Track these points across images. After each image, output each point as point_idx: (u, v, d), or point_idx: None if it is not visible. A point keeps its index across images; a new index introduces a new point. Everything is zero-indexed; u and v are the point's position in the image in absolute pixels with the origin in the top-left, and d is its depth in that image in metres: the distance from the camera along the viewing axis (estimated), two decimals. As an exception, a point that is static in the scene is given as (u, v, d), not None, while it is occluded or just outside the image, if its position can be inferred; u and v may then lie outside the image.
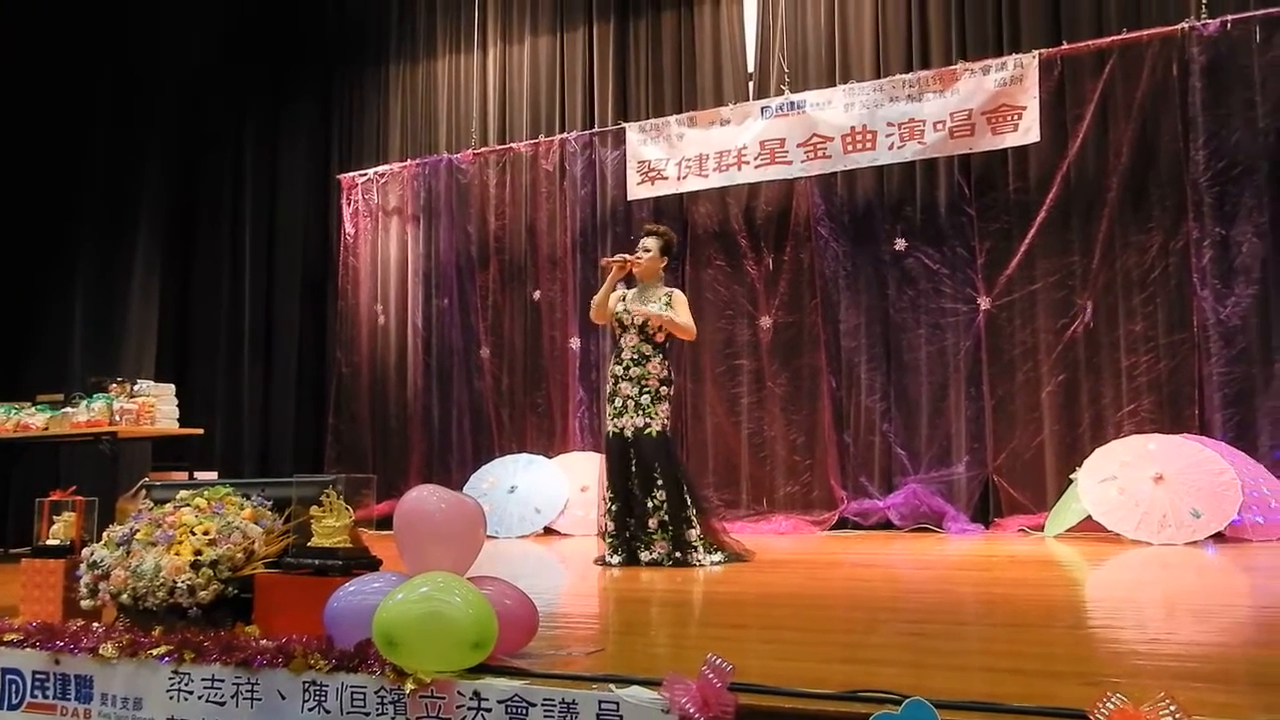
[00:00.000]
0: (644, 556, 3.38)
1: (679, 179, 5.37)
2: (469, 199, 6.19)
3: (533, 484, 5.33)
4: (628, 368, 3.51)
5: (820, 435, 5.21)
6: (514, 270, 6.09)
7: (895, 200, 5.23)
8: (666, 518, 3.36)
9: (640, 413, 3.45)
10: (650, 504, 3.38)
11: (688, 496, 3.45)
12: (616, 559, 3.45)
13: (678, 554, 3.36)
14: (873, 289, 5.24)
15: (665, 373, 3.55)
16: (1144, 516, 4.13)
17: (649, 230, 3.72)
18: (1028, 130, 4.87)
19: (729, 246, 5.51)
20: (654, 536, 3.37)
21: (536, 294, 5.97)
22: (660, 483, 3.41)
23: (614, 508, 3.47)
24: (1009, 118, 4.88)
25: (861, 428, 5.17)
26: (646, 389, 3.47)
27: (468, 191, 6.19)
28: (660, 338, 3.55)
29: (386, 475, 5.98)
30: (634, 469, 3.46)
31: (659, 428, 3.45)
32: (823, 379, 5.23)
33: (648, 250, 3.60)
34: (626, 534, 3.43)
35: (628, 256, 3.63)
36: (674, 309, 3.55)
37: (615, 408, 3.53)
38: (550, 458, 5.63)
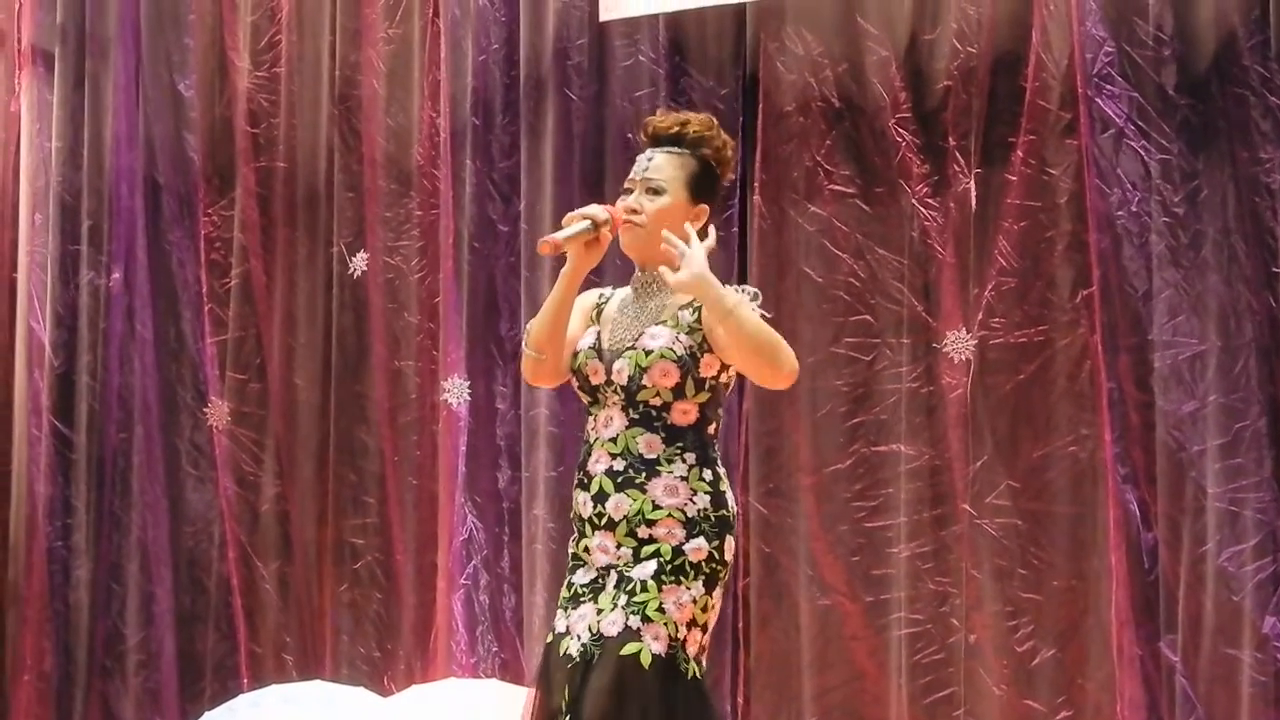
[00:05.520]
0: None
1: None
2: (182, 18, 5.36)
3: (336, 767, 4.73)
4: (602, 494, 3.04)
5: (1092, 644, 4.10)
6: (300, 198, 5.25)
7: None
8: None
9: (628, 599, 2.99)
10: None
11: None
12: None
13: None
14: (1238, 262, 3.99)
15: (705, 500, 3.02)
16: None
17: (664, 129, 3.15)
18: None
19: (865, 150, 4.41)
20: None
21: (361, 260, 5.08)
22: None
23: None
24: None
25: (1208, 622, 3.90)
26: (652, 548, 3.00)
27: (179, 2, 5.38)
28: (687, 413, 3.03)
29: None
30: None
31: (663, 647, 2.95)
32: (1104, 497, 4.07)
33: (654, 188, 3.08)
34: None
35: (594, 214, 3.06)
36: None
37: (577, 585, 3.10)
38: (386, 693, 4.77)
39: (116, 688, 5.12)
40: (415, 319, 4.87)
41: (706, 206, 3.05)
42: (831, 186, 4.32)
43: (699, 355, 2.97)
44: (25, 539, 5.26)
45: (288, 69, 5.10)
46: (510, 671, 4.55)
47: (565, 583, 3.08)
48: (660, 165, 3.05)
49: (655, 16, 4.47)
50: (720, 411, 3.08)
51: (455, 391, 4.73)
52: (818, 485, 4.22)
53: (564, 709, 3.02)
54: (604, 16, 4.51)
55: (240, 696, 4.68)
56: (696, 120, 3.12)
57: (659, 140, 3.09)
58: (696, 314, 3.01)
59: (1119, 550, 3.92)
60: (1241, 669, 3.81)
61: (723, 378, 3.01)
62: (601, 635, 2.98)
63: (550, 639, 3.07)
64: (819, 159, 4.31)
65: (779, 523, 4.28)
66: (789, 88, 4.34)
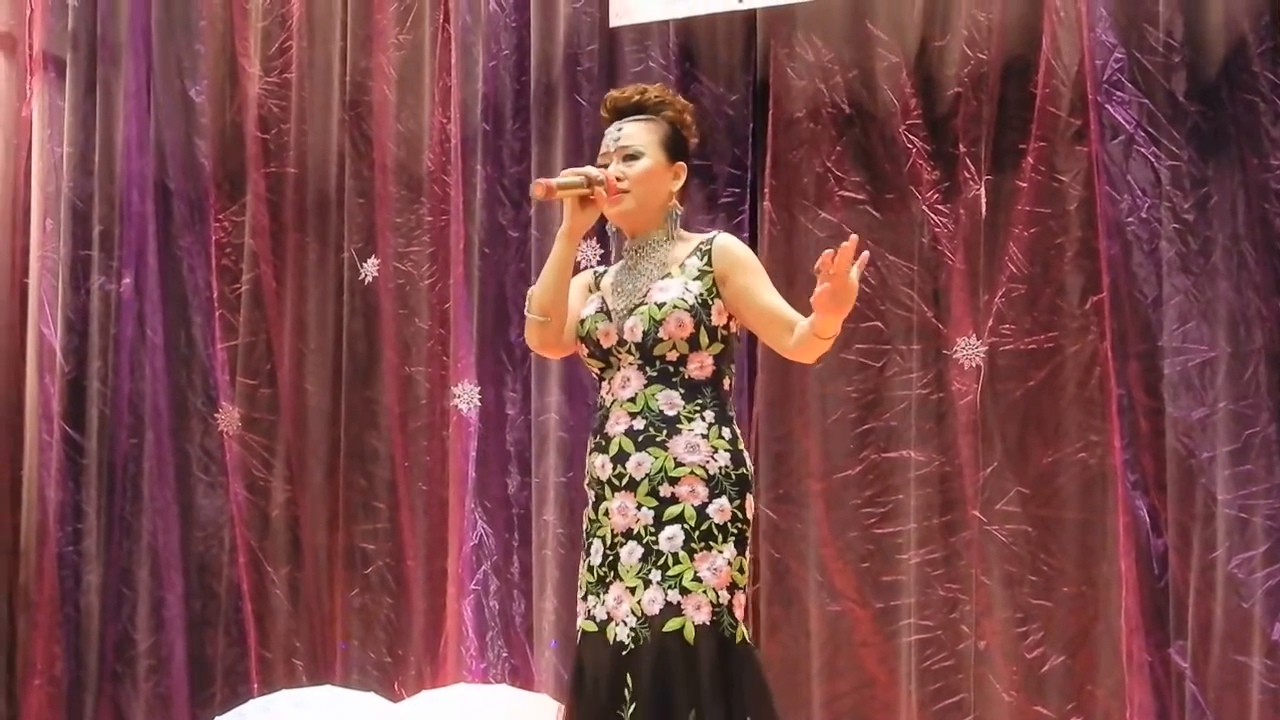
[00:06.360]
0: None
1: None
2: (193, 24, 5.36)
3: (347, 776, 4.56)
4: (622, 454, 3.05)
5: (1102, 651, 4.10)
6: (310, 203, 5.26)
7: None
8: None
9: (662, 575, 3.00)
10: None
11: None
12: None
13: None
14: (1247, 268, 3.94)
15: (725, 458, 3.06)
16: None
17: (625, 100, 3.23)
18: None
19: (875, 156, 4.38)
20: None
21: (371, 266, 5.07)
22: None
23: None
24: None
25: (1218, 628, 3.86)
26: (675, 509, 3.01)
27: (189, 3, 5.36)
28: (703, 366, 3.08)
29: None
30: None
31: (707, 616, 2.98)
32: (1114, 503, 4.04)
33: (631, 153, 3.13)
34: None
35: (590, 172, 3.12)
36: (748, 280, 3.08)
37: (595, 567, 3.11)
38: (396, 698, 4.75)
39: (127, 692, 5.18)
40: (426, 325, 4.92)
41: (684, 165, 3.10)
42: (842, 192, 4.32)
43: (710, 301, 3.00)
44: (36, 544, 5.33)
45: (298, 74, 5.16)
46: (520, 677, 4.59)
47: (585, 565, 3.07)
48: (631, 132, 3.09)
49: (665, 22, 4.48)
50: (733, 367, 3.12)
51: (465, 397, 4.79)
52: (828, 491, 4.21)
53: (627, 698, 3.03)
54: (614, 22, 4.53)
55: (250, 701, 4.70)
56: (653, 88, 3.18)
57: (622, 112, 3.14)
58: (706, 258, 3.04)
59: (1129, 557, 3.90)
60: (1251, 676, 3.77)
61: (732, 327, 3.06)
62: (645, 616, 2.99)
63: (592, 629, 3.07)
64: (829, 165, 4.33)
65: (789, 528, 4.27)
66: (799, 94, 4.36)
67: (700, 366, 3.03)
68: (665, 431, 3.01)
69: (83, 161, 5.43)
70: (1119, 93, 3.93)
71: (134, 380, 5.34)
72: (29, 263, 5.52)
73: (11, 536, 5.46)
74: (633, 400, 3.06)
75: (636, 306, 3.03)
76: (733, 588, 3.04)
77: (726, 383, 3.08)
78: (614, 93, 3.23)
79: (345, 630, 5.01)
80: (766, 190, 4.30)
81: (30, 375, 5.44)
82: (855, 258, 2.83)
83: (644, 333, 3.01)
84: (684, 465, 3.01)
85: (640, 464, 3.01)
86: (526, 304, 3.11)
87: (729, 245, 3.07)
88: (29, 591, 5.39)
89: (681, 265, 3.05)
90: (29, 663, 5.32)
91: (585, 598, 3.07)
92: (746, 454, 3.06)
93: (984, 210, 4.11)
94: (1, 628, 5.41)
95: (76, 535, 5.31)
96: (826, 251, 2.81)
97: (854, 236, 2.84)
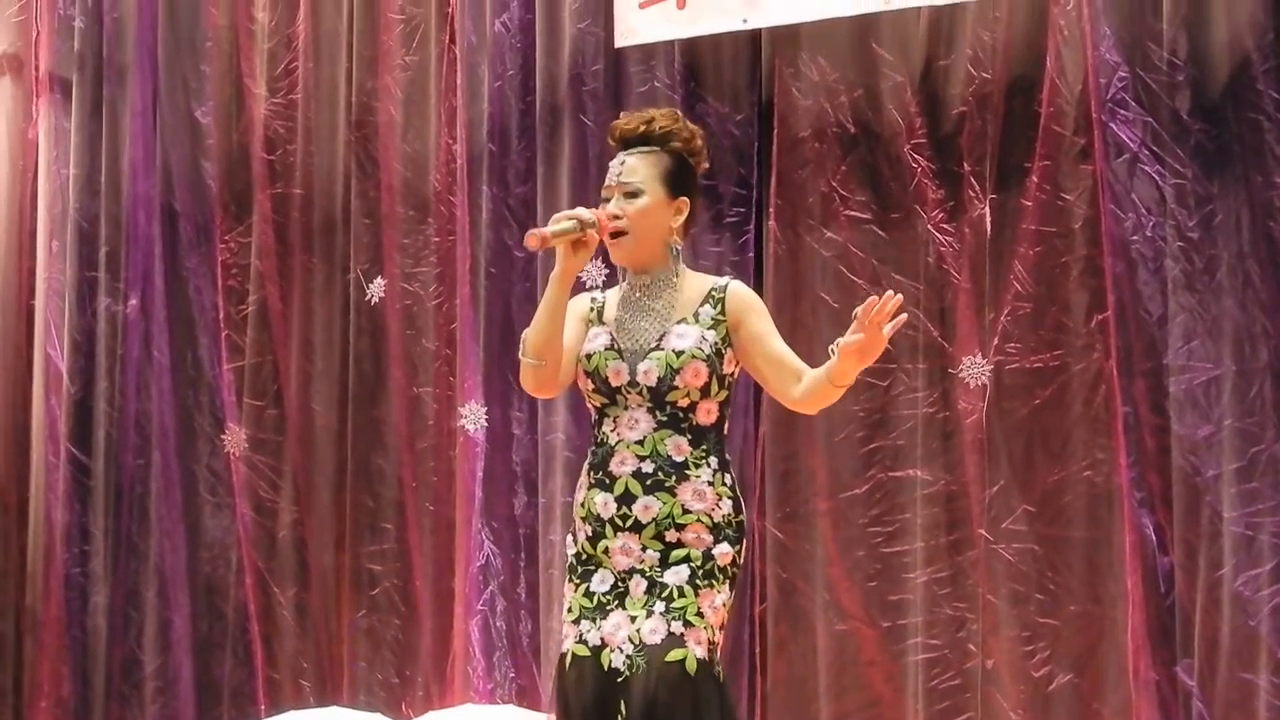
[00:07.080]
0: None
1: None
2: (199, 45, 5.35)
3: (356, 791, 4.60)
4: (628, 495, 3.03)
5: (1109, 669, 4.05)
6: (316, 224, 5.21)
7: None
8: None
9: (666, 606, 2.98)
10: None
11: None
12: None
13: None
14: (1252, 286, 3.90)
15: (728, 505, 3.04)
16: None
17: (631, 131, 3.17)
18: None
19: (880, 175, 4.34)
20: None
21: (378, 286, 5.04)
22: None
23: None
24: None
25: (1224, 646, 3.80)
26: (681, 552, 3.01)
27: (195, 25, 5.31)
28: (710, 413, 3.07)
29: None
30: None
31: (704, 651, 2.96)
32: (1120, 521, 3.99)
33: (631, 190, 3.08)
34: None
35: (581, 215, 3.08)
36: (762, 326, 3.08)
37: (588, 599, 3.09)
38: (404, 719, 4.81)
39: (134, 714, 5.15)
40: (432, 345, 4.93)
41: (687, 199, 3.05)
42: (847, 212, 4.30)
43: (723, 351, 2.99)
44: (43, 566, 5.32)
45: (304, 96, 5.16)
46: (527, 697, 4.58)
47: (580, 590, 3.05)
48: (633, 167, 3.05)
49: (670, 43, 4.48)
50: (730, 411, 3.15)
51: (472, 417, 4.81)
52: (834, 510, 4.18)
53: None
54: (619, 42, 4.54)
55: (258, 725, 4.56)
56: (661, 115, 3.12)
57: (628, 142, 3.09)
58: (720, 306, 3.02)
59: (1135, 575, 3.85)
60: (1258, 694, 3.72)
61: (735, 373, 3.05)
62: (644, 644, 2.96)
63: (584, 653, 3.02)
64: (834, 184, 4.31)
65: (795, 548, 4.24)
66: (804, 113, 4.33)
67: (708, 413, 3.03)
68: (674, 477, 3.01)
69: (89, 183, 5.44)
70: (1123, 111, 3.88)
71: (140, 401, 5.34)
72: (35, 284, 5.51)
73: (18, 558, 5.44)
74: (641, 443, 3.05)
75: (651, 350, 3.03)
76: (721, 628, 3.05)
77: (726, 427, 3.09)
78: (621, 121, 3.19)
79: (352, 651, 4.92)
80: (772, 209, 4.28)
81: (36, 397, 5.45)
82: (894, 316, 2.80)
83: (659, 378, 2.99)
84: (691, 513, 3.02)
85: (648, 507, 3.01)
86: (520, 347, 3.08)
87: (741, 292, 3.07)
88: (35, 613, 5.37)
89: (695, 314, 3.05)
90: (35, 684, 5.30)
91: (578, 621, 3.05)
92: (743, 500, 3.08)
93: (989, 229, 4.05)
94: (8, 649, 5.35)
95: (83, 557, 5.30)
96: (871, 298, 2.80)
97: (899, 296, 2.82)
